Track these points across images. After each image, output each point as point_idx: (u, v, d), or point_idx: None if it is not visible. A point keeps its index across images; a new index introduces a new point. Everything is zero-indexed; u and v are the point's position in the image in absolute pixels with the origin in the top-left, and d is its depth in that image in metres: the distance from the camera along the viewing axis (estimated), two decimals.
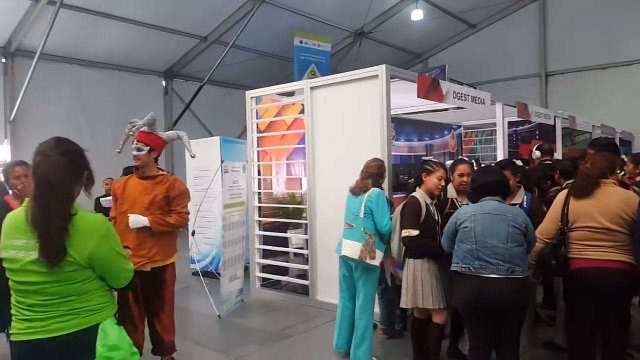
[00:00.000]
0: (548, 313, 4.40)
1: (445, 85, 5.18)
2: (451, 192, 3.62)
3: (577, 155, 5.18)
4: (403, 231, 3.26)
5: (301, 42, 11.96)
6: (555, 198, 3.12)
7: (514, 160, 4.73)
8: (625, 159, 5.11)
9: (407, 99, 5.00)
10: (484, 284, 2.77)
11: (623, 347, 2.95)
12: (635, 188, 3.62)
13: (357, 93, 4.72)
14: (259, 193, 5.68)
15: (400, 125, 7.59)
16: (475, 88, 13.45)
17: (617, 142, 10.16)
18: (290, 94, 5.74)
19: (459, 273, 2.92)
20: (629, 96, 11.49)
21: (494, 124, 8.69)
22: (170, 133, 3.59)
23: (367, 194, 3.59)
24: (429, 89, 4.96)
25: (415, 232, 3.20)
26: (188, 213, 3.39)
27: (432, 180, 3.37)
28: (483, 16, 13.74)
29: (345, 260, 3.67)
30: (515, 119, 7.34)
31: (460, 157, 8.83)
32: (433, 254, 3.23)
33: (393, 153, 7.58)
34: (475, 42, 14.13)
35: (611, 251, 2.86)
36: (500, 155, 6.34)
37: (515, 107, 6.64)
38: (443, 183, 3.41)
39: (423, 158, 3.87)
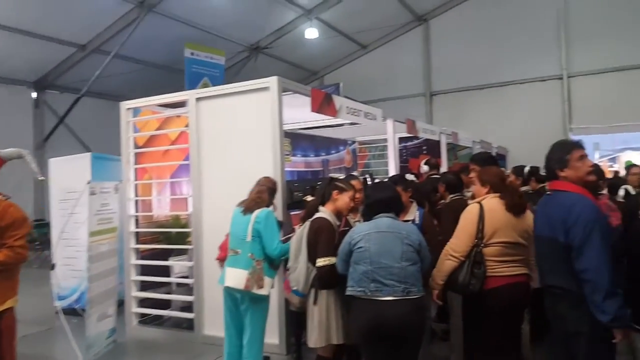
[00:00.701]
0: (442, 327, 4.40)
1: (338, 101, 5.09)
2: None
3: (458, 169, 5.36)
4: (320, 260, 2.88)
5: (192, 53, 11.39)
6: (444, 210, 3.05)
7: (406, 174, 4.72)
8: (508, 172, 5.41)
9: (303, 113, 4.83)
10: (380, 308, 2.59)
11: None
12: None
13: (247, 106, 4.38)
14: (136, 217, 5.03)
15: (297, 141, 7.42)
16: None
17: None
18: (179, 105, 5.21)
19: (354, 297, 2.70)
20: (502, 114, 12.68)
21: (387, 140, 9.00)
22: (11, 151, 2.94)
23: (254, 214, 3.25)
24: (323, 104, 4.81)
25: (334, 260, 2.87)
26: (24, 247, 2.75)
27: (344, 200, 3.09)
28: (374, 38, 14.34)
29: (229, 291, 3.27)
30: (405, 134, 7.57)
31: (354, 173, 8.90)
32: (344, 282, 2.91)
33: (289, 168, 7.44)
34: (367, 62, 14.68)
35: (518, 265, 2.85)
36: (392, 170, 6.43)
37: (404, 123, 6.83)
38: (353, 203, 3.16)
39: (331, 175, 3.60)
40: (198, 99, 4.68)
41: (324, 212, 3.06)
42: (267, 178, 3.53)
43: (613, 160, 20.00)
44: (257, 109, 4.27)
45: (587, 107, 12.03)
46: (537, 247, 2.61)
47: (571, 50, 12.16)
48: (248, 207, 3.31)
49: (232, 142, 4.46)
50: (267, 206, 3.34)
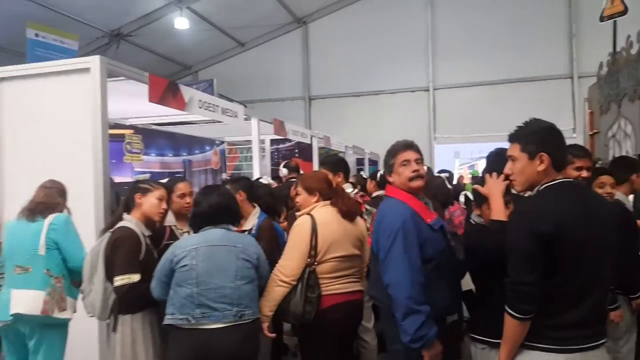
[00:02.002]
0: (296, 342, 4.03)
1: (188, 92, 4.44)
2: (170, 218, 2.86)
3: None
4: (118, 278, 2.33)
5: (37, 35, 9.81)
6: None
7: (263, 177, 4.35)
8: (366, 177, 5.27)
9: (159, 106, 4.13)
10: (207, 338, 2.16)
11: None
12: (368, 207, 3.47)
13: (63, 90, 3.52)
14: None
15: (151, 137, 6.57)
16: (245, 106, 13.41)
17: (367, 161, 11.31)
18: None
19: (174, 327, 2.22)
20: (376, 122, 13.02)
21: (263, 140, 8.54)
22: None
23: (47, 221, 2.57)
24: (166, 94, 4.12)
25: (136, 277, 2.35)
26: None
27: (150, 202, 2.55)
28: (252, 36, 13.81)
29: (15, 324, 2.54)
30: (278, 136, 7.21)
31: (223, 175, 8.27)
32: (155, 303, 2.41)
33: (140, 169, 6.57)
34: (246, 61, 14.11)
35: (353, 280, 2.58)
36: (257, 173, 5.96)
37: (271, 123, 6.42)
38: (165, 206, 2.61)
39: (137, 177, 2.98)
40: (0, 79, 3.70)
41: (129, 221, 2.49)
42: (52, 180, 2.85)
43: (472, 167, 22.26)
44: (75, 95, 3.43)
45: (449, 118, 12.90)
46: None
47: (436, 64, 12.95)
48: (35, 212, 2.62)
49: (43, 134, 3.55)
50: (61, 211, 2.66)
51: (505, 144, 2.02)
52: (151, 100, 3.88)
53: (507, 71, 12.27)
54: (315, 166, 7.82)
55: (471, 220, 2.44)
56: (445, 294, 2.19)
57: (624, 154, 5.34)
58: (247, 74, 13.76)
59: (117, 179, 5.74)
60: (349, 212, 2.60)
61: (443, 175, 4.77)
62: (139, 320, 2.40)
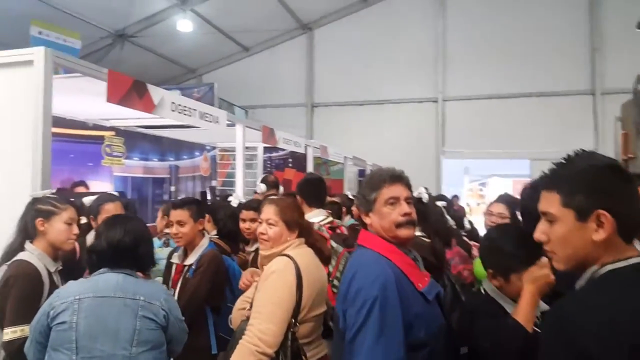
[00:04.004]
0: None
1: (157, 93, 4.10)
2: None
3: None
4: (8, 330, 1.85)
5: (40, 33, 9.74)
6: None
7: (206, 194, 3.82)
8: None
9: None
10: None
11: None
12: (334, 244, 2.65)
13: (4, 83, 3.22)
14: None
15: (134, 140, 6.27)
16: (246, 111, 13.15)
17: (368, 173, 10.89)
18: None
19: None
20: (379, 132, 12.63)
21: (255, 148, 8.20)
22: None
23: None
24: (130, 94, 3.79)
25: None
26: None
27: (57, 228, 2.08)
28: (256, 41, 13.58)
29: None
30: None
31: (213, 182, 7.95)
32: None
33: (120, 174, 6.27)
34: (249, 66, 13.87)
35: (320, 343, 2.06)
36: (240, 184, 5.61)
37: (259, 130, 6.08)
38: (76, 230, 2.16)
39: (32, 194, 2.29)
40: None
41: (30, 252, 2.01)
42: None
43: (483, 185, 21.53)
44: (15, 91, 3.13)
45: (459, 132, 12.42)
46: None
47: (447, 74, 12.52)
48: None
49: None
50: None
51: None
52: (110, 100, 3.54)
53: (522, 84, 11.75)
54: None
55: (481, 289, 1.79)
56: None
57: None
58: (250, 79, 13.52)
59: (93, 183, 5.46)
60: (328, 256, 2.15)
61: (439, 203, 3.43)
62: None
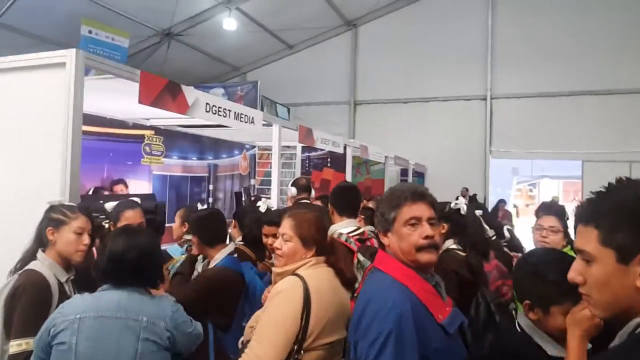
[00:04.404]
0: None
1: (191, 94, 4.08)
2: None
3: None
4: (14, 343, 1.77)
5: (90, 32, 10.11)
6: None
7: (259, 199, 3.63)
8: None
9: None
10: None
11: None
12: (361, 258, 2.47)
13: (34, 88, 3.23)
14: None
15: (173, 139, 6.34)
16: (289, 109, 13.11)
17: (411, 173, 10.58)
18: None
19: None
20: (423, 130, 12.27)
21: (294, 147, 8.12)
22: None
23: None
24: (163, 95, 3.78)
25: None
26: None
27: (66, 238, 1.97)
28: (300, 38, 13.52)
29: None
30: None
31: (252, 181, 7.95)
32: None
33: (159, 172, 6.35)
34: (293, 63, 13.84)
35: None
36: (275, 185, 5.52)
37: (296, 130, 5.97)
38: (87, 240, 2.02)
39: (49, 202, 2.19)
40: None
41: (41, 262, 1.94)
42: None
43: (533, 185, 20.60)
44: (47, 93, 3.15)
45: (507, 131, 11.88)
46: None
47: (496, 71, 11.98)
48: None
49: (10, 136, 3.26)
50: None
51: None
52: (142, 101, 3.52)
53: (574, 82, 11.08)
54: (350, 177, 7.28)
55: (516, 325, 1.56)
56: None
57: None
58: (293, 77, 13.49)
59: (132, 182, 5.55)
60: (351, 278, 1.93)
61: (477, 212, 3.05)
62: None
